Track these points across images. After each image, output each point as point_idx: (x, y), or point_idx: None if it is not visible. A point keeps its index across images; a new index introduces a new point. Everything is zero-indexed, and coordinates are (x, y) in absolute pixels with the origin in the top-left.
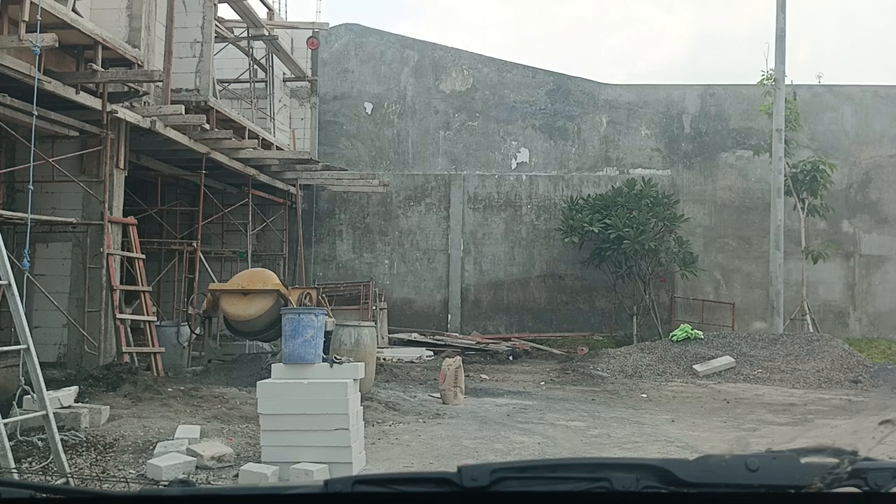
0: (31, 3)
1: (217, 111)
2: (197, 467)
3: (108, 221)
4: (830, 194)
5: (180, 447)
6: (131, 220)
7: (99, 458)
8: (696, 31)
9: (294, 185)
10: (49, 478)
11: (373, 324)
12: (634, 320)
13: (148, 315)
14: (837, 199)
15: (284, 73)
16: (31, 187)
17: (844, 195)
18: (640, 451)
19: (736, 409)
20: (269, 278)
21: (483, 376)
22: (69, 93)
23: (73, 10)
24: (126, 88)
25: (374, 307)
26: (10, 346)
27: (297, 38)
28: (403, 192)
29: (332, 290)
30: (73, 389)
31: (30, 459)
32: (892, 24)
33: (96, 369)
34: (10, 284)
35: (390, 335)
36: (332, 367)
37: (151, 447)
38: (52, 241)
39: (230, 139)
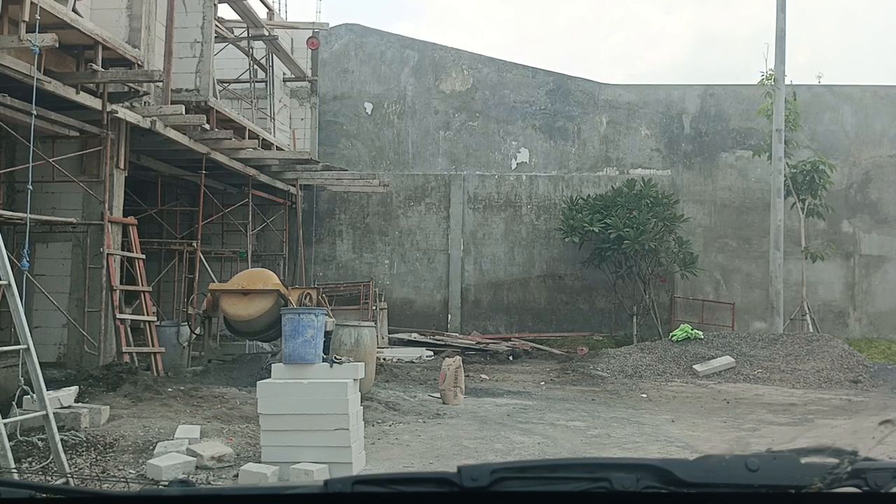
0: (31, 3)
1: (217, 111)
2: (197, 467)
3: (108, 221)
4: (830, 194)
5: (180, 447)
6: (131, 220)
7: (99, 458)
8: (696, 32)
9: (294, 185)
10: (49, 478)
11: (373, 324)
12: (634, 320)
13: (148, 315)
14: (837, 199)
15: (284, 73)
16: (31, 187)
17: (844, 195)
18: (640, 451)
19: (736, 409)
20: (269, 278)
21: (483, 376)
22: (69, 93)
23: (73, 10)
24: (126, 88)
25: (374, 307)
26: (10, 346)
27: (297, 39)
28: (403, 192)
29: (332, 290)
30: (73, 389)
31: (30, 459)
32: (892, 24)
33: (96, 369)
34: (10, 284)
35: (390, 335)
36: (332, 367)
37: (151, 447)
38: (52, 241)
39: (230, 139)
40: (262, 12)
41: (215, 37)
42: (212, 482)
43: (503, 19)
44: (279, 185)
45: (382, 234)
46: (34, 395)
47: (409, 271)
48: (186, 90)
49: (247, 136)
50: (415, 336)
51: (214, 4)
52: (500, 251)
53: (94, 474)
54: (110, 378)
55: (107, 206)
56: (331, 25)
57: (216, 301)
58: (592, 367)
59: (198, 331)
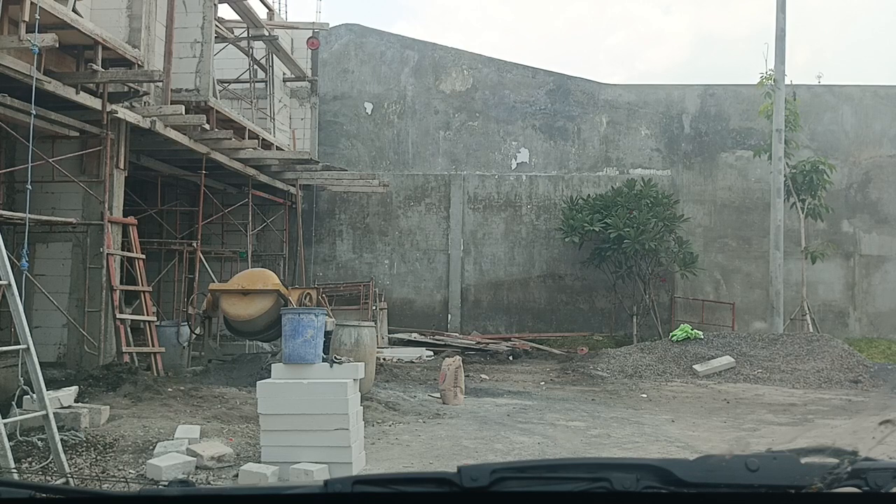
0: (31, 3)
1: (217, 111)
2: (197, 467)
3: (108, 221)
4: (830, 194)
5: (180, 447)
6: (131, 220)
7: (99, 458)
8: (696, 32)
9: (294, 185)
10: (49, 478)
11: (373, 324)
12: (634, 320)
13: (148, 315)
14: (837, 199)
15: (284, 74)
16: (31, 187)
17: (844, 195)
18: (640, 451)
19: (736, 409)
20: (268, 278)
21: (483, 376)
22: (69, 93)
23: (73, 10)
24: (126, 88)
25: (374, 307)
26: (10, 346)
27: (297, 39)
28: (403, 193)
29: (332, 290)
30: (73, 389)
31: (30, 459)
32: (892, 24)
33: (96, 369)
34: (10, 284)
35: (390, 335)
36: (332, 367)
37: (151, 447)
38: (52, 241)
39: (230, 139)
40: (262, 12)
41: (215, 37)
42: (212, 482)
43: (502, 20)
44: (279, 185)
45: (382, 234)
46: (34, 395)
47: (409, 271)
48: (186, 90)
49: (247, 136)
50: (415, 336)
51: (214, 4)
52: (500, 251)
53: (93, 474)
54: (110, 378)
55: (107, 206)
56: (331, 25)
57: (216, 301)
58: (592, 367)
59: (198, 331)
